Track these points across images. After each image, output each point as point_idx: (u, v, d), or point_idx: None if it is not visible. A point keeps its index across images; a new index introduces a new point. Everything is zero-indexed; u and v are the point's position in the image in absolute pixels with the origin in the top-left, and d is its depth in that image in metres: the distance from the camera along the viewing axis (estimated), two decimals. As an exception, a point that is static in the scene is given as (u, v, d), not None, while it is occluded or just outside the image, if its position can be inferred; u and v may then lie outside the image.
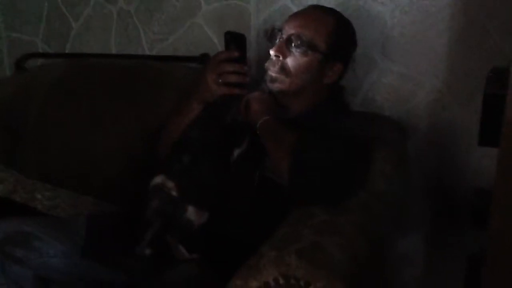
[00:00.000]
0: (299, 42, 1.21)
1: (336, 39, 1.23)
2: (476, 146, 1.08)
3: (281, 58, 1.22)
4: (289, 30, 1.23)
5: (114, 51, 2.01)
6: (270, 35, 1.26)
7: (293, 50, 1.21)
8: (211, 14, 1.78)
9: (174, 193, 1.15)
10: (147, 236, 1.14)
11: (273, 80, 1.22)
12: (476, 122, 1.19)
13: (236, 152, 1.20)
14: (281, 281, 0.86)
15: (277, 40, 1.24)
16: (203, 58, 1.75)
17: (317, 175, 1.05)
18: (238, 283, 0.89)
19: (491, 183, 0.90)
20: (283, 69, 1.22)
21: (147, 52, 1.94)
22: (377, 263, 1.10)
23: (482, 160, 1.45)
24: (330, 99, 1.28)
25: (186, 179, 1.16)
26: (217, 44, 1.78)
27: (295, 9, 1.60)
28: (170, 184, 1.15)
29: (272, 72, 1.22)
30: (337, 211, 1.04)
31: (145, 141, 1.52)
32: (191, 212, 1.14)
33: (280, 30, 1.25)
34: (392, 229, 1.46)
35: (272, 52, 1.23)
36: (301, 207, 1.07)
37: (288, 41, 1.22)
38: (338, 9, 1.43)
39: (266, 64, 1.24)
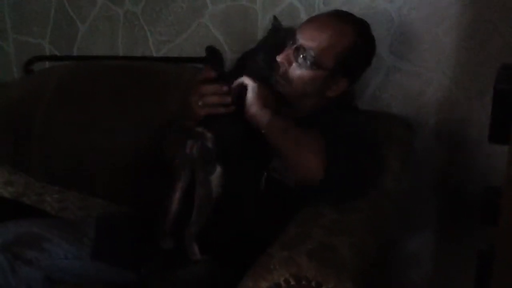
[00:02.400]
0: (306, 56, 1.19)
1: (348, 58, 1.21)
2: (485, 142, 1.07)
3: (286, 64, 1.21)
4: (301, 39, 1.20)
5: (121, 53, 2.02)
6: (281, 36, 1.24)
7: (300, 60, 1.19)
8: (218, 15, 1.78)
9: (210, 145, 1.14)
10: (170, 215, 1.15)
11: (276, 82, 1.21)
12: (485, 119, 1.19)
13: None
14: (292, 282, 0.86)
15: (290, 43, 1.22)
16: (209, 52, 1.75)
17: (351, 173, 1.06)
18: (249, 284, 0.89)
19: (501, 179, 0.90)
20: (286, 76, 1.20)
21: (154, 54, 1.94)
22: (387, 261, 1.10)
23: (491, 156, 1.44)
24: (332, 101, 1.27)
25: (221, 138, 1.16)
26: (223, 44, 1.78)
27: (302, 9, 1.60)
28: (208, 135, 1.14)
29: (276, 76, 1.21)
30: (346, 209, 1.04)
31: (152, 141, 1.51)
32: (217, 175, 1.14)
33: (293, 35, 1.22)
34: (400, 227, 1.45)
35: (278, 59, 1.21)
36: (331, 205, 1.07)
37: (297, 50, 1.20)
38: (345, 7, 1.44)
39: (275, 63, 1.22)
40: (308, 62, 1.19)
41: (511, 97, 0.95)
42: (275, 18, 1.26)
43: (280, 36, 1.24)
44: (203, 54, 1.77)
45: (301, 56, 1.19)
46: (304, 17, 1.55)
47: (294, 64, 1.20)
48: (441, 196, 1.55)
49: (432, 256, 1.60)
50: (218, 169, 1.14)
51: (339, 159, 1.06)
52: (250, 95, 1.15)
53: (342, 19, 1.24)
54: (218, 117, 1.16)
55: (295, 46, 1.20)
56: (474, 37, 1.42)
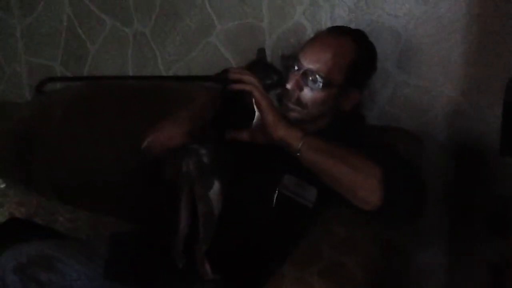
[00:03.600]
0: (315, 78, 1.19)
1: (355, 69, 1.22)
2: (496, 156, 1.07)
3: (297, 90, 1.21)
4: (306, 63, 1.21)
5: (130, 73, 2.04)
6: (287, 64, 1.25)
7: (310, 84, 1.20)
8: (225, 33, 1.79)
9: (205, 160, 1.14)
10: (181, 233, 1.14)
11: (290, 110, 1.21)
12: (495, 132, 1.18)
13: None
14: (304, 301, 0.86)
15: (294, 68, 1.23)
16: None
17: (408, 197, 1.02)
18: (261, 304, 0.89)
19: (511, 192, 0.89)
20: (299, 101, 1.21)
21: (164, 73, 1.96)
22: (398, 275, 1.09)
23: (502, 170, 1.43)
24: (347, 115, 1.28)
25: (216, 152, 1.15)
26: (232, 63, 1.79)
27: (309, 26, 1.61)
28: (203, 151, 1.14)
29: (289, 103, 1.21)
30: (356, 225, 1.04)
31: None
32: (215, 191, 1.13)
33: (296, 59, 1.23)
34: (411, 241, 1.44)
35: (288, 86, 1.21)
36: (388, 227, 1.04)
37: (304, 75, 1.21)
38: (351, 24, 1.45)
39: (280, 92, 1.20)
40: (319, 84, 1.19)
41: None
42: (259, 50, 1.25)
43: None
44: (211, 72, 1.80)
45: (310, 79, 1.20)
46: (310, 34, 1.56)
47: (305, 89, 1.21)
48: (452, 209, 1.53)
49: (443, 269, 1.58)
50: (217, 184, 1.14)
51: (396, 182, 1.00)
52: (270, 114, 1.07)
53: (340, 33, 1.26)
54: (215, 131, 1.16)
55: (302, 71, 1.21)
56: (482, 50, 1.41)
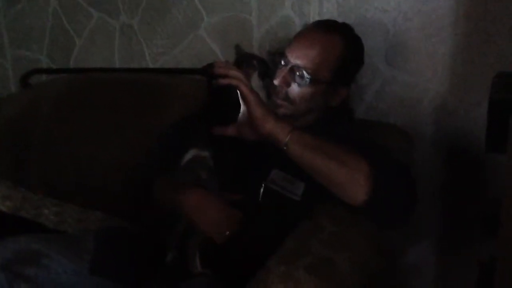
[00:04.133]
0: (302, 74, 1.19)
1: (343, 64, 1.22)
2: (483, 152, 1.08)
3: (285, 86, 1.21)
4: (293, 59, 1.21)
5: (118, 65, 2.02)
6: (273, 60, 1.24)
7: (297, 79, 1.20)
8: (214, 26, 1.78)
9: (210, 163, 1.14)
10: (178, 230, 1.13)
11: (278, 106, 1.21)
12: (482, 128, 1.19)
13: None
14: (290, 296, 0.86)
15: (281, 63, 1.22)
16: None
17: (396, 196, 1.01)
18: (248, 299, 0.89)
19: (500, 189, 0.90)
20: (287, 97, 1.21)
21: (151, 66, 1.94)
22: (387, 273, 1.10)
23: (490, 166, 1.44)
24: (335, 110, 1.28)
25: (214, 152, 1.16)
26: (220, 56, 1.78)
27: (297, 20, 1.61)
28: (205, 154, 1.14)
29: (277, 99, 1.21)
30: (345, 221, 1.04)
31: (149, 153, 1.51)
32: (216, 187, 1.14)
33: (283, 55, 1.23)
34: (400, 238, 1.45)
35: (276, 82, 1.21)
36: (377, 224, 1.03)
37: (291, 71, 1.20)
38: (340, 19, 1.44)
39: (268, 87, 1.21)
40: (306, 80, 1.19)
41: (507, 106, 0.95)
42: (236, 46, 1.25)
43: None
44: (199, 65, 1.80)
45: (298, 74, 1.19)
46: (299, 28, 1.55)
47: (293, 85, 1.20)
48: (440, 206, 1.54)
49: (433, 268, 1.59)
50: (216, 182, 1.15)
51: (383, 178, 1.00)
52: (257, 108, 1.06)
53: (327, 29, 1.25)
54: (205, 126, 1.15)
55: (289, 66, 1.21)
56: (469, 47, 1.42)
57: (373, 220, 1.05)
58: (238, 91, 1.05)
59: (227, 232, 1.05)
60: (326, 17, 1.53)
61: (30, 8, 2.17)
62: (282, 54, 1.23)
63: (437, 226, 1.56)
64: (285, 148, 1.05)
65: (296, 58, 1.21)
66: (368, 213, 1.03)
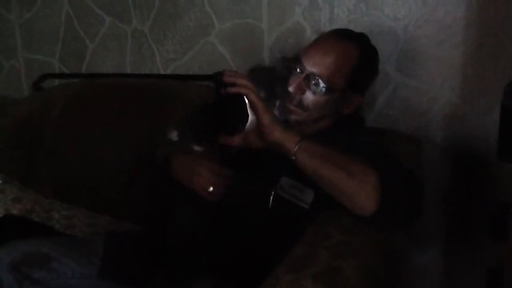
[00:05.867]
0: (317, 82, 1.19)
1: (357, 73, 1.21)
2: (494, 159, 1.07)
3: (299, 93, 1.20)
4: (309, 66, 1.20)
5: (129, 70, 2.04)
6: (288, 66, 1.24)
7: (312, 87, 1.19)
8: (224, 33, 1.79)
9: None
10: None
11: (290, 112, 1.21)
12: (494, 135, 1.18)
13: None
14: (298, 305, 0.85)
15: (296, 70, 1.22)
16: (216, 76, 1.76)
17: (404, 203, 1.01)
18: (255, 306, 0.88)
19: (509, 196, 0.89)
20: (301, 104, 1.20)
21: (162, 72, 1.95)
22: (395, 279, 1.09)
23: (500, 173, 1.43)
24: (346, 117, 1.27)
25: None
26: (230, 62, 1.79)
27: (307, 26, 1.61)
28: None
29: (290, 105, 1.20)
30: (353, 229, 1.03)
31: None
32: None
33: (299, 62, 1.22)
34: (408, 244, 1.44)
35: (290, 89, 1.21)
36: (385, 232, 1.04)
37: (306, 78, 1.20)
38: (350, 25, 1.45)
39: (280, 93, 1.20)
40: (322, 88, 1.19)
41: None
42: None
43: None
44: (209, 71, 1.81)
45: (313, 83, 1.19)
46: (309, 35, 1.56)
47: (307, 92, 1.20)
48: (449, 213, 1.53)
49: (440, 274, 1.58)
50: None
51: (391, 188, 0.99)
52: (266, 116, 1.04)
53: (343, 38, 1.25)
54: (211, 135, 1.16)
55: (304, 74, 1.20)
56: (480, 53, 1.41)
57: (379, 227, 1.05)
58: (247, 100, 1.05)
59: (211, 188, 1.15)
60: (336, 24, 1.54)
61: (44, 12, 2.20)
62: (297, 61, 1.23)
63: (445, 232, 1.55)
64: (293, 158, 1.04)
65: (312, 65, 1.20)
66: (376, 223, 1.03)
